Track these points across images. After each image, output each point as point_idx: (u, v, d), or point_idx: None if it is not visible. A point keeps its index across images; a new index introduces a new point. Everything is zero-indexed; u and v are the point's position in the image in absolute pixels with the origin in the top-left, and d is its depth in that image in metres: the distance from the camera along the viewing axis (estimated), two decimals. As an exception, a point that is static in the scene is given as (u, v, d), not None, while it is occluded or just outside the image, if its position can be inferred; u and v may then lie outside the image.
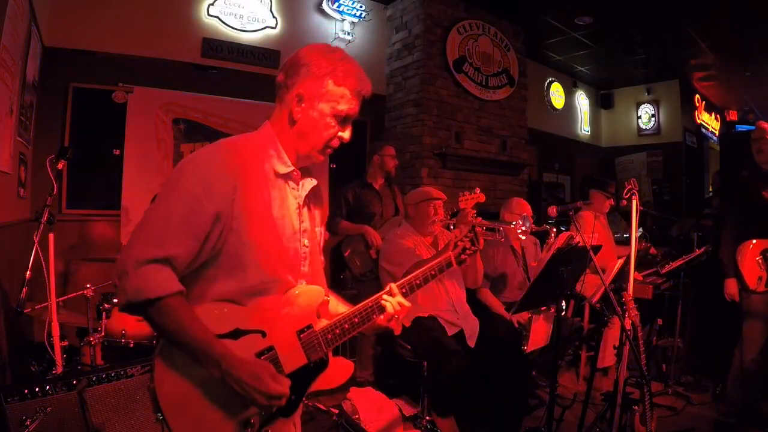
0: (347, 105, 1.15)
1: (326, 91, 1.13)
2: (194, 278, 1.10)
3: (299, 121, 1.14)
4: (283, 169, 1.16)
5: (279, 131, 1.18)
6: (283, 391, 1.07)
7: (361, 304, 1.22)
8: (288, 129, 1.16)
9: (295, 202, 1.20)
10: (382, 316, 1.23)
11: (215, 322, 1.06)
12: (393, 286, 1.25)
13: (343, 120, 1.16)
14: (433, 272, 1.30)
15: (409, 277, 1.29)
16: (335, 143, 1.19)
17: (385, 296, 1.23)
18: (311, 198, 1.27)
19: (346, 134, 1.19)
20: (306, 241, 1.23)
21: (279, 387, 1.06)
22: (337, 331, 1.18)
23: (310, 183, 1.24)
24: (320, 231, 1.35)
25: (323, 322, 1.19)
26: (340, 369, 1.24)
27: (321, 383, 1.21)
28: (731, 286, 2.74)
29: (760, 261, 2.63)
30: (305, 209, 1.24)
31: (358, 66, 1.17)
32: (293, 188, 1.20)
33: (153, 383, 1.08)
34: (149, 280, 0.99)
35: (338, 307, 1.34)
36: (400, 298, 1.24)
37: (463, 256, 1.37)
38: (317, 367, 1.19)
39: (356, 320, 1.20)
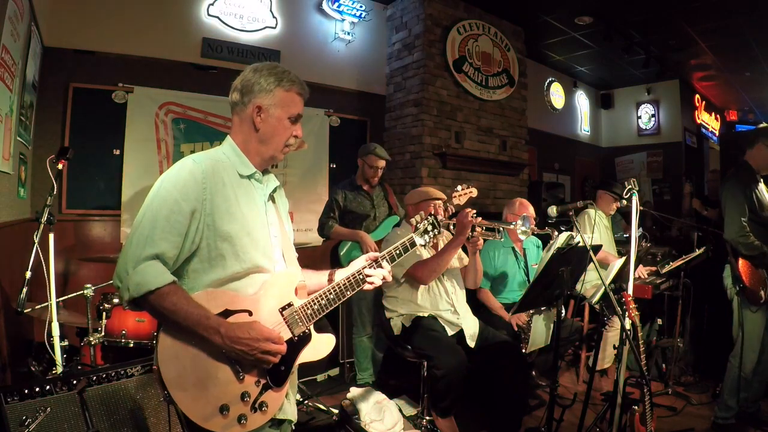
0: (296, 107, 1.38)
1: (278, 100, 1.34)
2: (185, 275, 1.27)
3: (261, 129, 1.35)
4: (246, 171, 1.36)
5: (241, 141, 1.38)
6: (279, 336, 1.25)
7: (335, 282, 1.39)
8: (252, 138, 1.37)
9: (261, 199, 1.39)
10: (367, 285, 1.41)
11: (207, 306, 1.21)
12: (365, 267, 1.42)
13: (295, 120, 1.38)
14: (397, 251, 1.46)
15: (380, 253, 1.46)
16: (291, 141, 1.40)
17: (367, 270, 1.41)
18: (276, 196, 1.47)
19: (299, 131, 1.40)
20: (274, 231, 1.40)
21: (274, 332, 1.25)
22: (315, 306, 1.35)
23: (273, 182, 1.45)
24: (290, 229, 1.52)
25: (302, 301, 1.36)
26: (323, 342, 1.39)
27: (307, 356, 1.36)
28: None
29: (763, 273, 2.62)
30: (270, 203, 1.43)
31: (296, 75, 1.39)
32: (258, 187, 1.40)
33: (157, 363, 1.20)
34: (146, 275, 1.15)
35: (316, 277, 1.51)
36: (385, 271, 1.44)
37: (426, 237, 1.52)
38: (301, 340, 1.35)
39: (331, 296, 1.37)
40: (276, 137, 1.36)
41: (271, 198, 1.44)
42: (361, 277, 1.39)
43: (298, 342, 1.33)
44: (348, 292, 1.38)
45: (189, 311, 1.16)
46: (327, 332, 1.40)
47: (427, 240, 1.51)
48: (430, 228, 1.52)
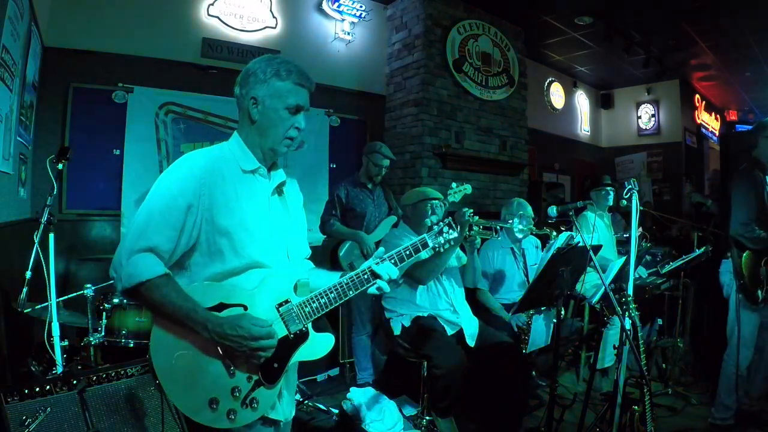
0: (295, 97, 1.32)
1: (275, 90, 1.31)
2: (188, 268, 1.29)
3: (258, 120, 1.32)
4: (248, 166, 1.33)
5: (245, 136, 1.36)
6: (267, 332, 1.21)
7: (338, 281, 1.32)
8: (251, 130, 1.34)
9: (263, 194, 1.36)
10: (372, 288, 1.32)
11: (203, 298, 1.22)
12: (371, 266, 1.32)
13: (295, 111, 1.33)
14: (407, 251, 1.36)
15: (389, 254, 1.36)
16: (293, 132, 1.34)
17: (374, 267, 1.32)
18: (285, 189, 1.44)
19: (302, 123, 1.34)
20: (277, 227, 1.37)
21: (261, 329, 1.20)
22: (315, 305, 1.31)
23: (280, 177, 1.41)
24: (301, 224, 1.49)
25: (301, 298, 1.32)
26: (321, 342, 1.35)
27: (303, 355, 1.32)
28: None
29: (762, 272, 2.60)
30: (276, 198, 1.40)
31: (298, 65, 1.34)
32: (262, 182, 1.37)
33: (149, 353, 1.22)
34: (138, 267, 1.17)
35: (327, 277, 1.42)
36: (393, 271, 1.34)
37: (440, 239, 1.40)
38: (298, 338, 1.31)
39: (332, 295, 1.31)
40: (273, 129, 1.32)
41: (279, 192, 1.42)
42: (365, 276, 1.31)
43: (294, 340, 1.30)
44: (350, 292, 1.31)
45: (178, 304, 1.17)
46: (326, 332, 1.37)
47: (441, 242, 1.40)
48: (446, 230, 1.40)
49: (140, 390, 1.94)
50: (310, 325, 1.33)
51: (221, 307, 1.23)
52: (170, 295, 1.17)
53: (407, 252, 1.35)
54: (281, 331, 1.28)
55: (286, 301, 1.30)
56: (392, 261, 1.33)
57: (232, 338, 1.18)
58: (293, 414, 1.41)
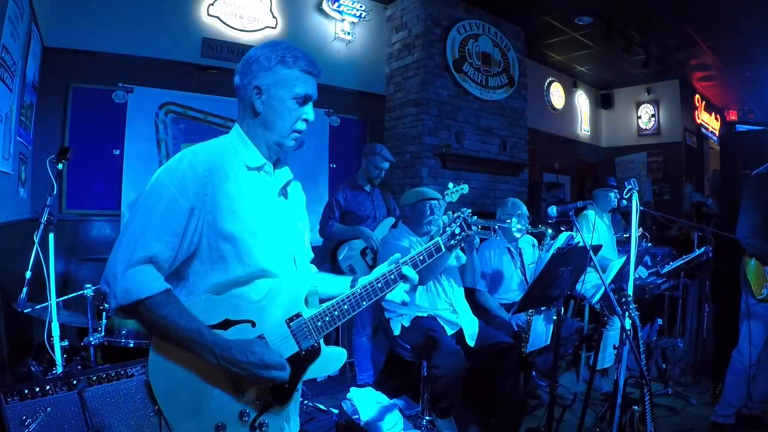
0: (302, 86, 1.20)
1: (280, 78, 1.18)
2: (187, 277, 1.16)
3: (263, 112, 1.20)
4: (253, 163, 1.21)
5: (246, 129, 1.24)
6: (280, 361, 1.10)
7: (351, 291, 1.23)
8: (254, 123, 1.22)
9: (270, 194, 1.25)
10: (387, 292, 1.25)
11: (205, 314, 1.10)
12: (386, 273, 1.25)
13: (303, 101, 1.21)
14: (421, 256, 1.27)
15: (402, 259, 1.28)
16: (301, 125, 1.23)
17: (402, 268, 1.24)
18: (289, 189, 1.32)
19: (310, 115, 1.23)
20: (285, 232, 1.25)
21: (274, 356, 1.10)
22: (327, 318, 1.20)
23: (286, 175, 1.30)
24: (305, 227, 1.38)
25: (312, 311, 1.21)
26: (333, 357, 1.24)
27: (314, 371, 1.22)
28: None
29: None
30: (282, 200, 1.28)
31: (304, 51, 1.22)
32: (268, 181, 1.25)
33: (148, 376, 1.12)
34: (136, 281, 1.03)
35: (336, 283, 1.35)
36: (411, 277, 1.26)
37: (453, 241, 1.33)
38: (309, 354, 1.20)
39: (345, 306, 1.21)
40: (280, 121, 1.20)
41: (284, 193, 1.30)
42: (379, 285, 1.23)
43: (306, 357, 1.19)
44: (364, 302, 1.22)
45: (181, 325, 1.04)
46: (334, 344, 1.29)
47: (454, 244, 1.32)
48: (458, 231, 1.31)
49: (140, 390, 1.94)
50: (321, 340, 1.23)
51: (227, 324, 1.12)
52: (172, 315, 1.04)
53: (421, 257, 1.26)
54: (292, 348, 1.18)
55: (297, 315, 1.19)
56: (405, 266, 1.26)
57: (243, 365, 1.06)
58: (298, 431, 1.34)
